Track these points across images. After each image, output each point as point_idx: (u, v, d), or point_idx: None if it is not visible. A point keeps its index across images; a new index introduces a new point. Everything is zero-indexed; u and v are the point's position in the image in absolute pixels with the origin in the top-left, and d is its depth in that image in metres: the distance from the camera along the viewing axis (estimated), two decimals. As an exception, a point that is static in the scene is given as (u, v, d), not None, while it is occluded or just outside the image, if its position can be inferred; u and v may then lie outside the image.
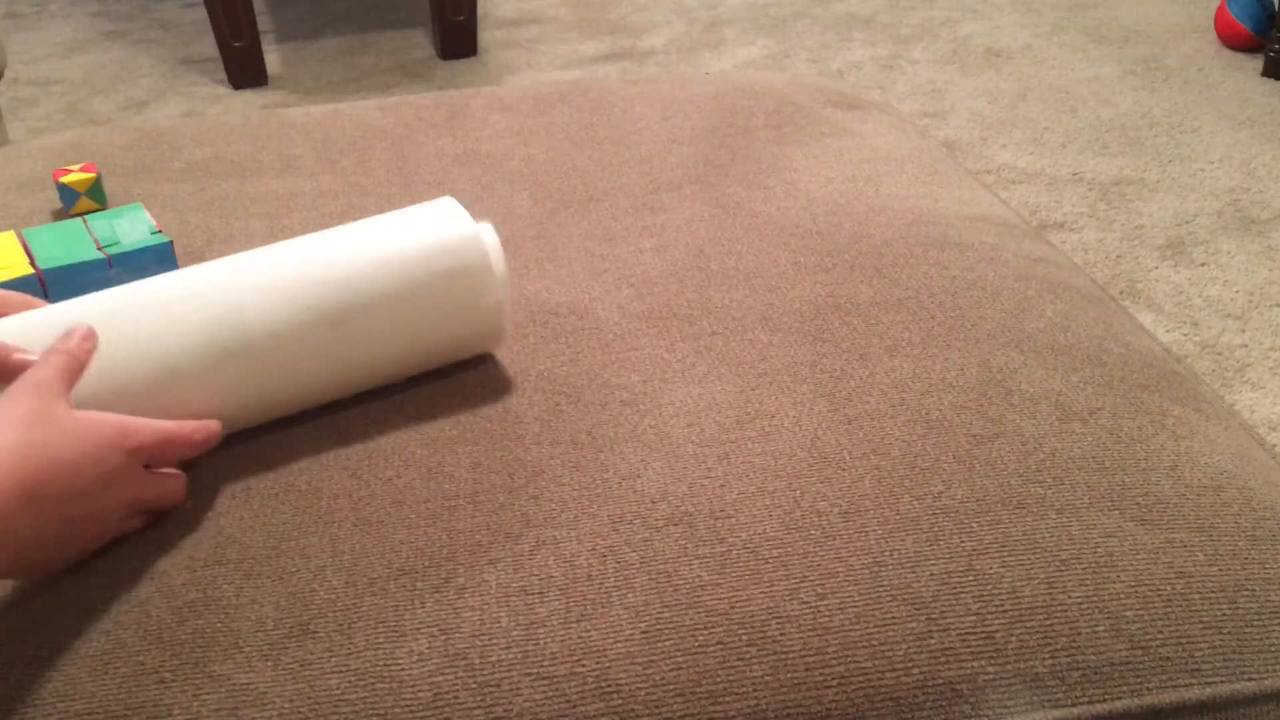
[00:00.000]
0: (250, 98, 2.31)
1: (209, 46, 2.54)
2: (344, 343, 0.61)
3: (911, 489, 0.60)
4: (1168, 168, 1.96)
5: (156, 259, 0.75)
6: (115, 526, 0.57)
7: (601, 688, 0.51)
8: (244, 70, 2.34)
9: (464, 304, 0.64)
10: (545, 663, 0.51)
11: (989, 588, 0.55)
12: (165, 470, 0.58)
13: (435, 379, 0.68)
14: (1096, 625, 0.54)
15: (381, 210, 0.88)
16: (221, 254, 0.83)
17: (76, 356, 0.57)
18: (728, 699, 0.51)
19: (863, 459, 0.62)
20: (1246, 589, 0.56)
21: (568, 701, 0.50)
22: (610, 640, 0.52)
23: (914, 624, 0.53)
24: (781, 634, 0.53)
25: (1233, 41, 2.36)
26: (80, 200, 0.88)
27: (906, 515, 0.58)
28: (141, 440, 0.55)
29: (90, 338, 0.58)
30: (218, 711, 0.50)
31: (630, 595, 0.54)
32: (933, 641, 0.53)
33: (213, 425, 0.60)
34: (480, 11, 2.63)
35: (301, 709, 0.50)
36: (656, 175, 0.92)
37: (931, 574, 0.55)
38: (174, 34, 2.66)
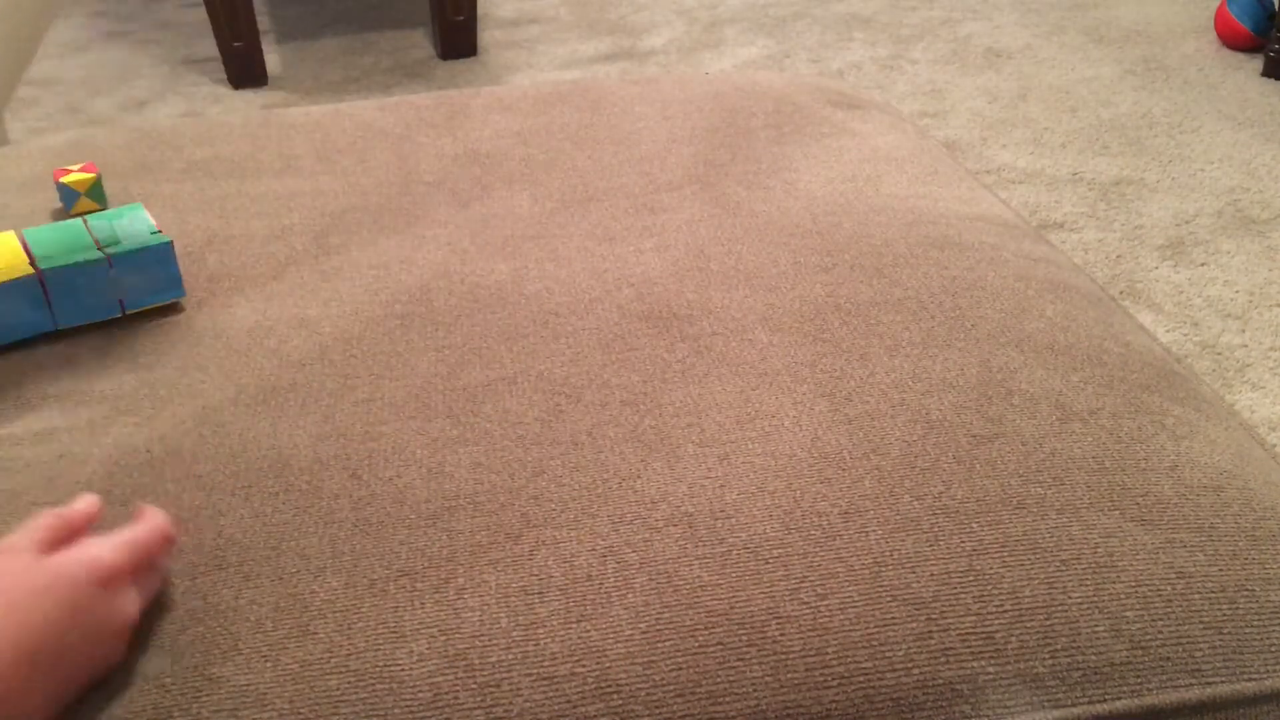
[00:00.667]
0: (250, 98, 2.31)
1: (209, 46, 2.54)
2: None
3: (912, 489, 0.60)
4: (1168, 168, 1.96)
5: (156, 259, 0.75)
6: (124, 638, 0.53)
7: (602, 688, 0.51)
8: (244, 70, 2.34)
9: None
10: (545, 663, 0.51)
11: (989, 588, 0.55)
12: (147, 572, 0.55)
13: (435, 379, 0.68)
14: (1096, 625, 0.54)
15: (379, 211, 0.88)
16: (222, 255, 0.83)
17: (68, 519, 0.54)
18: (728, 699, 0.51)
19: (863, 459, 0.61)
20: (1246, 589, 0.56)
21: (568, 702, 0.50)
22: (610, 640, 0.52)
23: (914, 624, 0.53)
24: (781, 634, 0.53)
25: (1233, 41, 2.36)
26: (80, 200, 0.88)
27: (906, 515, 0.58)
28: (113, 565, 0.52)
29: (92, 504, 0.56)
30: (217, 713, 0.50)
31: (630, 595, 0.54)
32: (933, 642, 0.53)
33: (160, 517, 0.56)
34: (480, 11, 2.63)
35: (301, 710, 0.50)
36: (656, 175, 0.92)
37: (932, 574, 0.55)
38: (174, 34, 2.66)
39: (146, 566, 0.54)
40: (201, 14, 2.74)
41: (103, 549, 0.52)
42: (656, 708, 0.50)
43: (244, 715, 0.50)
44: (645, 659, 0.52)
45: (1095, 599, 0.55)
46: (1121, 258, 1.72)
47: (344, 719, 0.50)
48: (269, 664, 0.51)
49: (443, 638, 0.52)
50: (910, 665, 0.52)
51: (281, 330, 0.74)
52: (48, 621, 0.49)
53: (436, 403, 0.66)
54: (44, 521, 0.53)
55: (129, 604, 0.53)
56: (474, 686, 0.51)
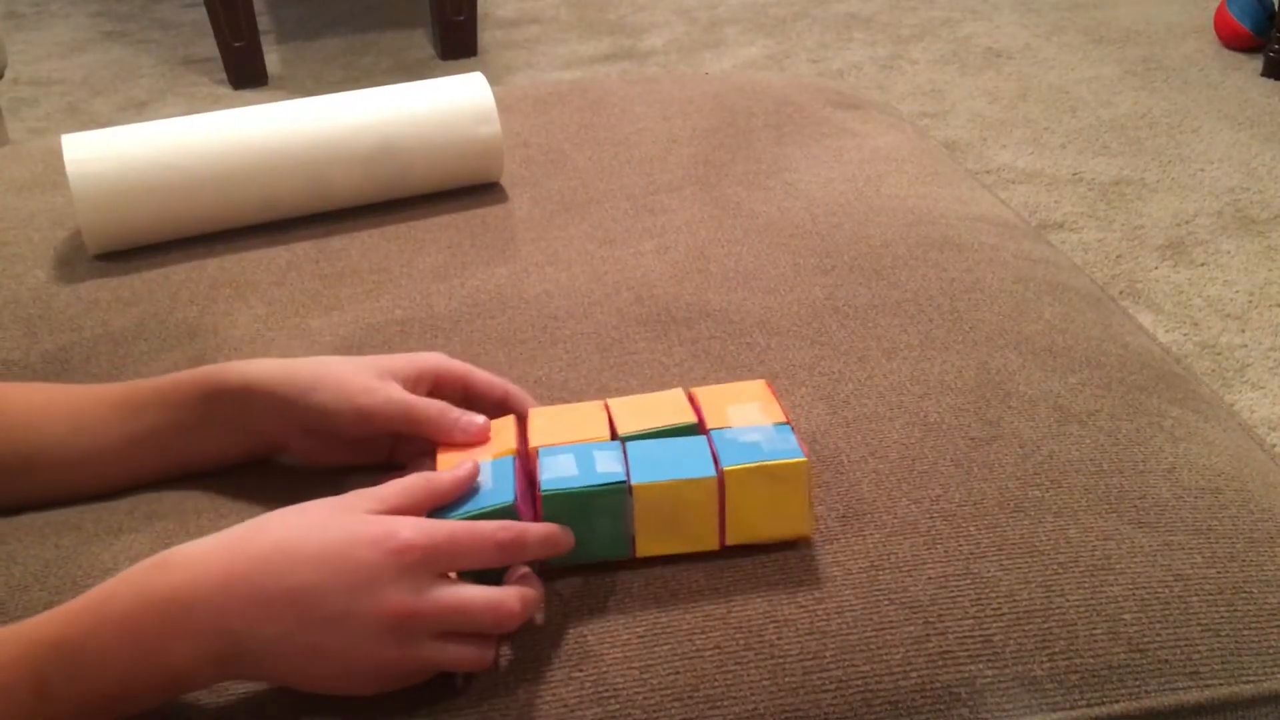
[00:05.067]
0: (250, 98, 2.31)
1: (209, 46, 2.53)
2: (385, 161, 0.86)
3: (909, 492, 0.60)
4: (1168, 168, 1.96)
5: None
6: (377, 652, 0.47)
7: (599, 692, 0.51)
8: (244, 70, 2.34)
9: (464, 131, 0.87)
10: (542, 667, 0.51)
11: (987, 591, 0.55)
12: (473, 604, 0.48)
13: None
14: (1094, 628, 0.54)
15: (379, 214, 0.88)
16: (222, 260, 0.83)
17: (435, 493, 0.51)
18: (725, 703, 0.51)
19: (861, 462, 0.62)
20: (1244, 591, 0.56)
21: (565, 706, 0.50)
22: (607, 645, 0.52)
23: (912, 627, 0.53)
24: (779, 638, 0.53)
25: (1233, 41, 2.35)
26: None
27: (904, 518, 0.58)
28: (413, 540, 0.47)
29: (466, 481, 0.52)
30: (218, 710, 0.50)
31: (627, 599, 0.54)
32: (930, 645, 0.53)
33: (529, 532, 0.50)
34: (480, 11, 2.63)
35: (301, 712, 0.50)
36: (656, 176, 0.92)
37: (929, 577, 0.55)
38: (174, 34, 2.66)
39: (462, 566, 0.49)
40: (201, 14, 2.74)
41: (415, 523, 0.47)
42: (654, 712, 0.50)
43: (240, 717, 0.50)
44: (642, 663, 0.52)
45: (1093, 601, 0.55)
46: (1121, 258, 1.72)
47: (342, 722, 0.50)
48: (267, 667, 0.51)
49: (441, 641, 0.52)
50: (908, 668, 0.52)
51: (283, 341, 0.74)
52: (293, 562, 0.45)
53: (435, 405, 0.66)
54: (407, 484, 0.50)
55: (428, 649, 0.47)
56: (471, 691, 0.51)
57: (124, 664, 0.45)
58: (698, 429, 0.57)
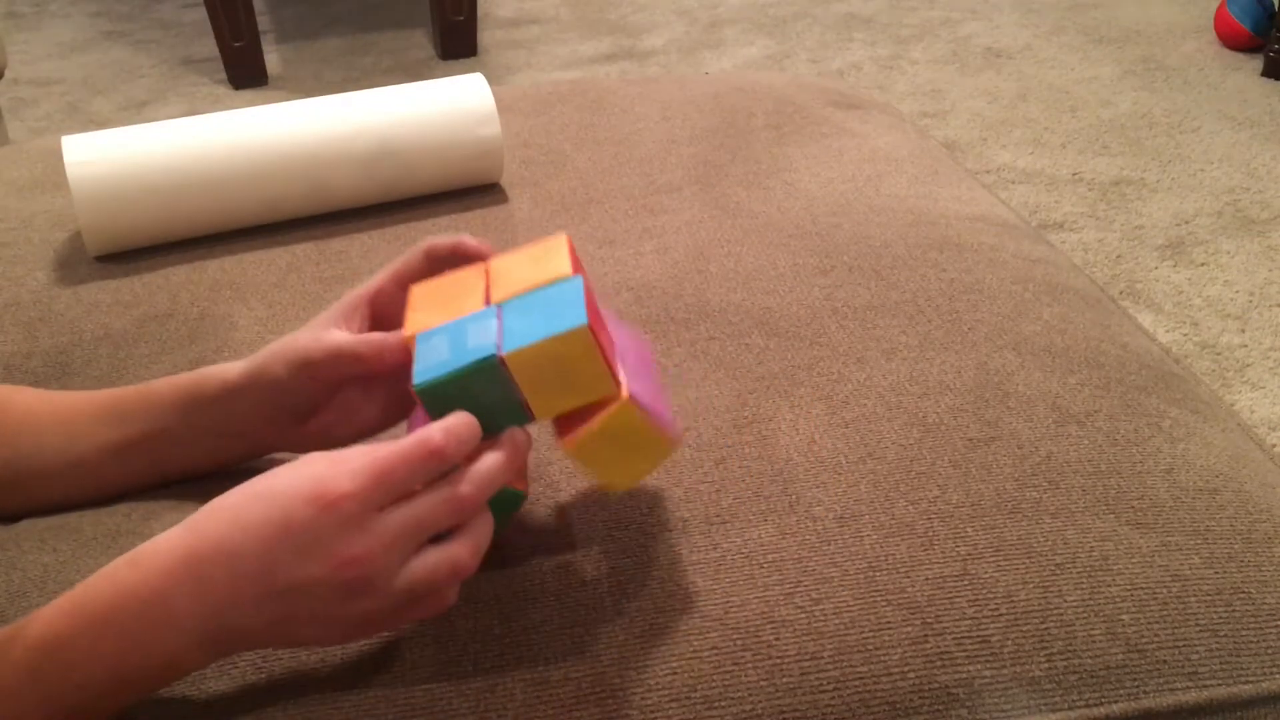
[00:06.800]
0: (250, 98, 2.31)
1: (209, 46, 2.54)
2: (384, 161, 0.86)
3: (907, 493, 0.60)
4: (1168, 168, 1.96)
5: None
6: (351, 605, 0.46)
7: (596, 693, 0.51)
8: (244, 70, 2.34)
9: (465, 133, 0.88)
10: (539, 667, 0.51)
11: (984, 592, 0.55)
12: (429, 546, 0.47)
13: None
14: (1092, 629, 0.54)
15: (380, 214, 0.88)
16: (222, 262, 0.83)
17: (390, 472, 0.46)
18: (723, 704, 0.51)
19: (859, 463, 0.62)
20: (1242, 592, 0.56)
21: (561, 706, 0.50)
22: (604, 645, 0.52)
23: (909, 628, 0.53)
24: (776, 639, 0.53)
25: (1233, 41, 2.35)
26: None
27: (902, 520, 0.58)
28: (344, 488, 0.45)
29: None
30: (215, 706, 0.50)
31: (624, 600, 0.54)
32: (928, 646, 0.53)
33: (458, 426, 0.47)
34: (480, 11, 2.63)
35: (296, 716, 0.50)
36: (656, 176, 0.92)
37: (927, 578, 0.55)
38: (174, 34, 2.66)
39: (408, 488, 0.47)
40: (201, 14, 2.74)
41: (342, 469, 0.45)
42: (651, 713, 0.50)
43: None
44: (639, 664, 0.52)
45: (1091, 602, 0.55)
46: (1121, 258, 1.72)
47: (340, 723, 0.50)
48: (263, 675, 0.52)
49: (436, 644, 0.53)
50: (906, 669, 0.52)
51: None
52: (248, 535, 0.45)
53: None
54: (374, 457, 0.46)
55: (403, 577, 0.46)
56: (468, 692, 0.51)
57: (113, 659, 0.45)
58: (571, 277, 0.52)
